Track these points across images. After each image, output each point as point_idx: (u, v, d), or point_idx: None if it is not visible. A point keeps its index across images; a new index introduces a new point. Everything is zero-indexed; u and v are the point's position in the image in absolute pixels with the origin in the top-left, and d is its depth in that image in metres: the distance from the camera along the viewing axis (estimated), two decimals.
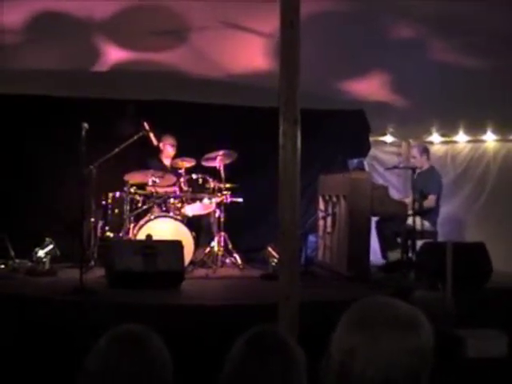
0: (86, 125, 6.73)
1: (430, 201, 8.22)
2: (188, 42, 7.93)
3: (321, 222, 8.86)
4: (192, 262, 7.91)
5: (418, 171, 8.39)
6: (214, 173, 8.46)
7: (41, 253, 7.57)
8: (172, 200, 8.27)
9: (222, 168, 8.41)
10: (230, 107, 9.40)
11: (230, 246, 8.33)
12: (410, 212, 7.86)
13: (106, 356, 1.89)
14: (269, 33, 7.22)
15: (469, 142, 9.93)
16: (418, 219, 7.74)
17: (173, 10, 7.19)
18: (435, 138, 10.14)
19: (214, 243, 8.19)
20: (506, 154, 9.45)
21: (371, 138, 10.19)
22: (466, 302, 6.10)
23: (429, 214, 8.21)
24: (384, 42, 7.58)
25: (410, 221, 7.81)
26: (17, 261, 7.69)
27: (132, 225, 8.03)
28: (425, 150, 8.74)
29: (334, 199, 8.39)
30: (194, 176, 8.36)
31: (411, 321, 1.71)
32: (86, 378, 1.88)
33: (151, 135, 8.36)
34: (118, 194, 8.22)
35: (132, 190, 8.16)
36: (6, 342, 5.26)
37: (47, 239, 7.74)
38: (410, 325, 1.69)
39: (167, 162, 8.87)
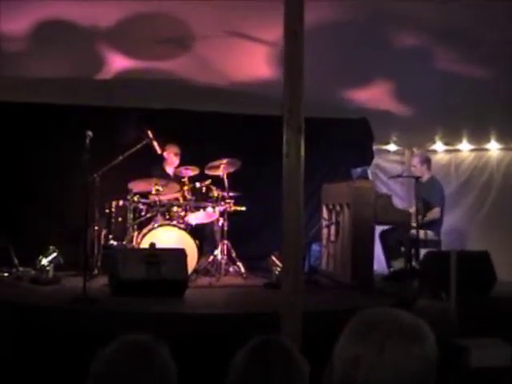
0: (90, 133, 6.74)
1: (435, 213, 8.21)
2: (192, 50, 7.95)
3: (324, 231, 8.85)
4: (195, 271, 7.90)
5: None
6: (217, 181, 8.47)
7: (44, 261, 7.56)
8: (175, 208, 8.27)
9: (225, 176, 8.42)
10: (233, 115, 9.42)
11: (234, 255, 8.32)
12: (414, 224, 7.84)
13: (112, 362, 1.89)
14: (273, 41, 7.23)
15: (472, 150, 9.92)
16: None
17: (177, 18, 7.21)
18: (439, 146, 10.13)
19: (218, 252, 8.19)
20: (509, 162, 9.44)
21: (375, 147, 10.20)
22: (470, 312, 6.09)
23: (432, 224, 8.20)
24: (387, 51, 7.59)
25: (413, 230, 7.80)
26: (20, 269, 7.69)
27: (135, 233, 8.02)
28: (425, 160, 8.68)
29: (338, 208, 8.38)
30: (198, 184, 8.37)
31: (415, 331, 1.71)
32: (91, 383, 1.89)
33: (155, 143, 8.38)
34: (121, 202, 8.22)
35: (135, 198, 8.16)
36: (8, 350, 5.25)
37: (51, 247, 7.74)
38: (414, 335, 1.69)
39: (170, 170, 8.87)
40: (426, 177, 8.55)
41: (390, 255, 8.49)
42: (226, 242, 8.27)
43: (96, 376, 1.89)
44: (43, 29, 7.19)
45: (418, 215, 7.74)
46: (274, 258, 7.98)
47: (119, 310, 5.92)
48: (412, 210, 8.22)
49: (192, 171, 8.44)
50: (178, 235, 7.83)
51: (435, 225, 8.27)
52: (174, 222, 8.06)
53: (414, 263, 7.72)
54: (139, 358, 1.91)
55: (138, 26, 7.35)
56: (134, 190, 8.12)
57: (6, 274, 7.58)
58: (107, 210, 8.22)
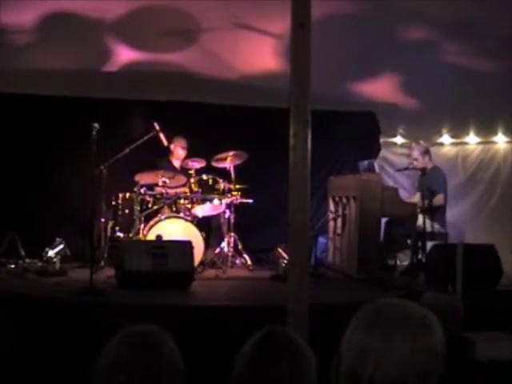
0: (96, 125, 6.75)
1: (438, 199, 8.16)
2: (199, 42, 7.94)
3: (331, 224, 8.85)
4: (202, 263, 7.91)
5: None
6: (224, 174, 8.47)
7: (51, 253, 7.58)
8: (182, 200, 8.28)
9: (232, 169, 8.42)
10: (240, 108, 9.41)
11: (240, 247, 8.34)
12: (419, 210, 7.84)
13: (119, 354, 1.90)
14: (280, 33, 7.22)
15: (479, 143, 9.89)
16: (428, 221, 7.71)
17: (184, 10, 7.21)
18: (446, 139, 10.10)
19: (224, 244, 8.20)
20: None
21: (381, 140, 10.19)
22: (476, 305, 6.07)
23: (437, 213, 8.16)
24: (395, 44, 7.58)
25: (420, 222, 7.79)
26: (27, 260, 7.71)
27: (142, 225, 8.02)
28: (425, 151, 8.59)
29: (344, 200, 8.37)
30: (205, 177, 8.37)
31: (423, 321, 1.71)
32: (97, 375, 1.89)
33: (161, 136, 8.37)
34: (128, 194, 8.22)
35: (142, 190, 8.16)
36: (14, 342, 5.27)
37: (57, 239, 7.75)
38: (422, 325, 1.70)
39: (176, 163, 8.87)
40: (428, 167, 8.53)
41: (395, 247, 8.46)
42: (232, 234, 8.28)
43: (102, 367, 1.90)
44: (50, 21, 7.20)
45: (424, 203, 7.73)
46: (280, 250, 7.99)
47: (125, 302, 5.93)
48: (416, 198, 8.23)
49: (199, 163, 8.44)
50: (184, 227, 7.83)
51: (440, 214, 8.20)
52: (181, 214, 8.08)
53: (420, 256, 7.71)
54: (146, 349, 1.91)
55: (146, 19, 7.35)
56: (141, 182, 8.11)
57: (12, 266, 7.60)
58: (114, 202, 8.22)
